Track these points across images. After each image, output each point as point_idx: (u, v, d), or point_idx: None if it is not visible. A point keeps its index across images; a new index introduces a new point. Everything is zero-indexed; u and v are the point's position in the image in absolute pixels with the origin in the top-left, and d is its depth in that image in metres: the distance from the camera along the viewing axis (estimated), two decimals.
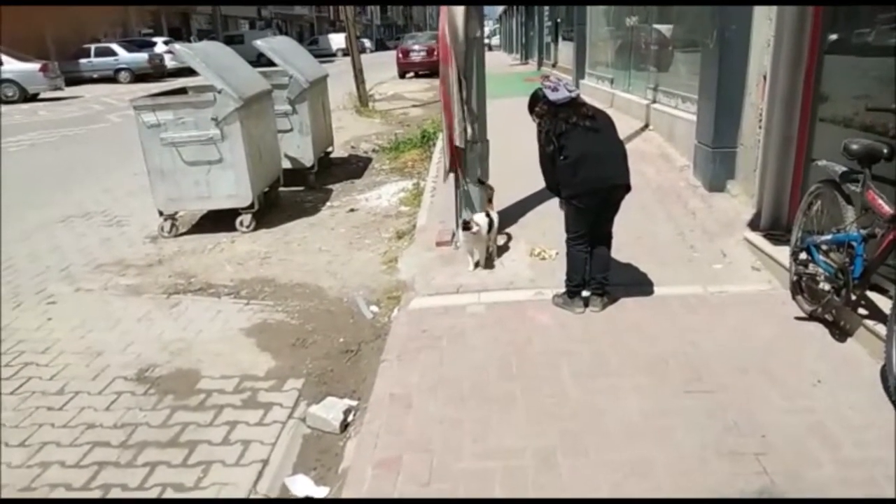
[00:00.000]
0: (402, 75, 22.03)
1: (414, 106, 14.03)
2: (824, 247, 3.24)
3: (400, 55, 22.50)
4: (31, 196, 7.21)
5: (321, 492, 2.55)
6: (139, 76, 23.78)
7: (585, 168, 3.31)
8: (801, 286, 3.48)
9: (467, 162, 4.66)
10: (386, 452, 2.55)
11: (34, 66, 18.68)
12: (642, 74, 9.12)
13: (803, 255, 3.44)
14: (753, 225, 4.57)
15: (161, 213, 5.58)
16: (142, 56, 24.41)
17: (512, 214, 5.19)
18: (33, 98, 18.52)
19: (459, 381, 2.98)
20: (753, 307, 3.61)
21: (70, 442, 2.88)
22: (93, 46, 24.17)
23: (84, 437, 2.91)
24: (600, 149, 3.36)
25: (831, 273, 3.10)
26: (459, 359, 3.19)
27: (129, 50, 24.61)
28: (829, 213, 3.28)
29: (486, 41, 27.07)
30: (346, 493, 2.39)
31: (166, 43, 24.52)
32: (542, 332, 3.43)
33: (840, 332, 3.21)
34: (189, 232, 5.73)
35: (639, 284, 3.93)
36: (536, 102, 3.54)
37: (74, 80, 22.18)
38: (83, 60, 23.89)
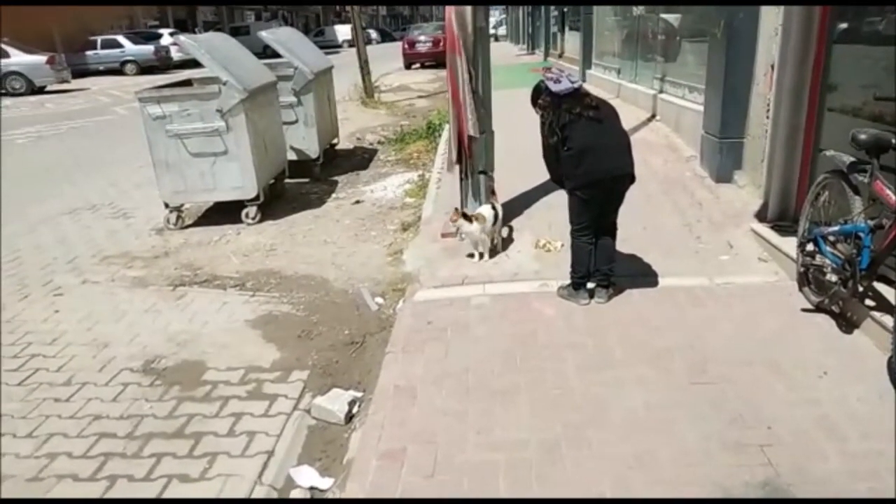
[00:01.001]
0: (407, 66, 21.89)
1: (420, 97, 13.95)
2: (831, 238, 3.21)
3: (406, 46, 22.36)
4: (37, 188, 7.23)
5: (326, 483, 2.56)
6: (145, 68, 23.67)
7: (589, 159, 3.29)
8: (807, 277, 3.45)
9: (476, 153, 4.62)
10: (390, 444, 2.55)
11: (41, 58, 18.64)
12: (649, 64, 9.03)
13: (810, 247, 3.41)
14: (760, 216, 4.53)
15: (167, 206, 5.58)
16: (148, 48, 24.34)
17: (517, 206, 5.16)
18: (40, 90, 18.52)
19: (464, 373, 2.98)
20: (760, 299, 3.58)
21: (77, 433, 2.89)
22: (99, 39, 24.05)
23: (91, 428, 2.92)
24: (604, 140, 3.34)
25: (838, 264, 3.08)
26: (464, 351, 3.19)
27: (135, 42, 24.53)
28: (837, 203, 3.25)
29: (493, 32, 26.83)
30: (351, 485, 2.39)
31: (172, 35, 24.37)
32: (547, 324, 3.41)
33: (847, 324, 3.19)
34: (195, 224, 5.73)
35: (644, 276, 3.90)
36: (539, 95, 3.51)
37: (81, 72, 22.18)
38: (90, 53, 23.82)
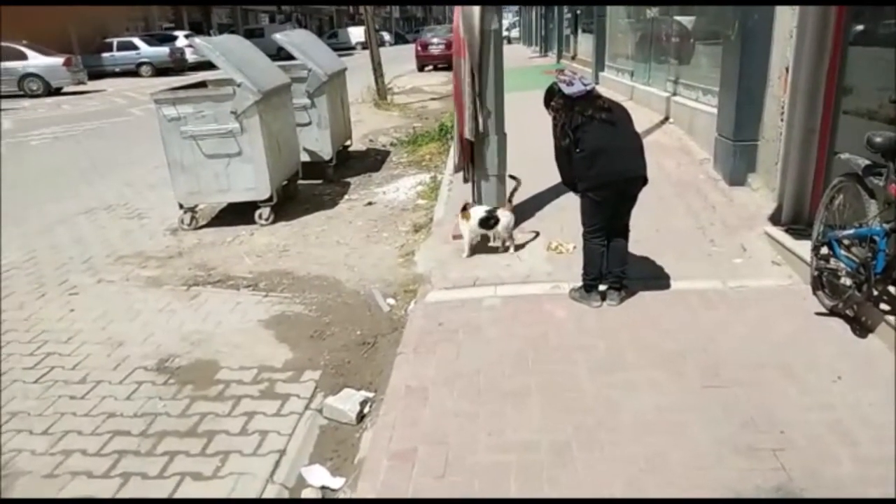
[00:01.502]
0: (420, 68, 21.86)
1: (432, 99, 13.91)
2: (846, 241, 3.19)
3: (419, 48, 22.36)
4: (54, 189, 7.31)
5: (337, 482, 2.57)
6: (160, 70, 23.86)
7: (601, 161, 3.30)
8: (822, 281, 3.42)
9: (485, 155, 4.60)
10: (401, 444, 2.56)
11: (58, 60, 18.86)
12: (662, 67, 9.01)
13: (825, 250, 3.38)
14: (774, 219, 4.49)
15: (181, 206, 5.62)
16: (163, 50, 24.52)
17: (529, 208, 5.14)
18: (57, 92, 18.70)
19: (475, 375, 2.98)
20: (773, 302, 3.56)
21: (91, 430, 2.92)
22: (115, 40, 24.32)
23: (105, 426, 2.95)
24: (616, 142, 3.34)
25: (853, 268, 3.06)
26: (475, 352, 3.19)
27: (151, 44, 24.74)
28: (852, 207, 3.22)
29: (506, 34, 26.67)
30: (362, 484, 2.40)
31: (187, 37, 24.55)
32: (559, 326, 3.42)
33: (861, 328, 3.16)
34: (209, 224, 5.78)
35: (657, 278, 3.87)
36: (552, 97, 3.52)
37: (97, 73, 22.42)
38: (106, 54, 24.08)
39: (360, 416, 2.94)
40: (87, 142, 10.68)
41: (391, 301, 4.06)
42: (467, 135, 4.46)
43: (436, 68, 21.51)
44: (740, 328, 3.28)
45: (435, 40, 21.93)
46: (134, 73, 23.86)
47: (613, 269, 3.56)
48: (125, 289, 4.48)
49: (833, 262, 3.28)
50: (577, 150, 3.34)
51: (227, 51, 5.56)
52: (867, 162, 3.05)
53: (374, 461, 2.50)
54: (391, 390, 2.95)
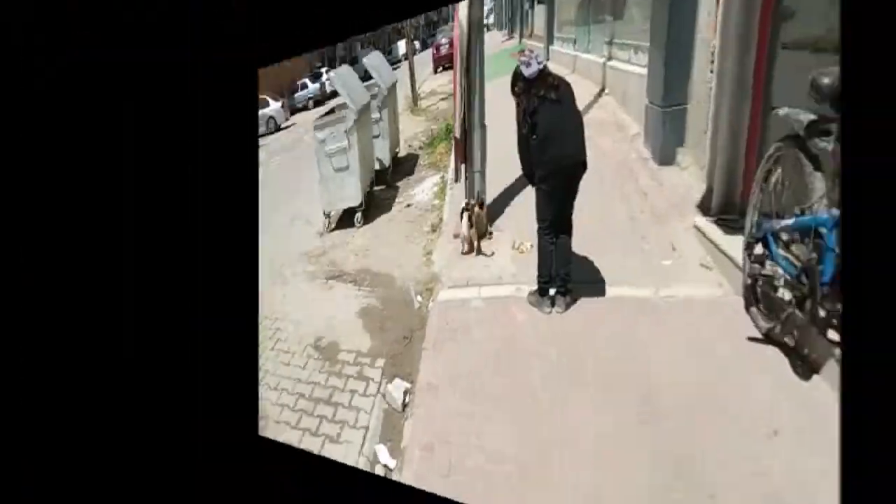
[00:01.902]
0: (435, 70, 13.39)
1: (441, 100, 9.23)
2: (784, 235, 1.21)
3: (434, 51, 12.84)
4: (278, 203, 6.12)
5: (393, 463, 1.87)
6: (317, 102, 19.13)
7: (552, 145, 1.74)
8: (755, 292, 1.37)
9: (472, 151, 2.84)
10: (426, 438, 1.72)
11: (278, 103, 16.07)
12: (600, 28, 4.45)
13: (759, 248, 1.34)
14: (704, 206, 1.98)
15: (324, 213, 4.42)
16: (317, 85, 19.76)
17: (500, 204, 3.04)
18: (278, 129, 16.04)
19: (469, 376, 1.89)
20: (703, 318, 1.69)
21: (291, 390, 2.39)
22: (299, 82, 19.90)
23: (295, 389, 2.40)
24: (563, 124, 1.74)
25: (793, 274, 1.16)
26: (468, 353, 2.04)
27: (313, 81, 20.20)
28: (792, 184, 1.20)
29: (486, 22, 16.73)
30: (406, 470, 1.67)
31: (326, 72, 19.98)
32: (521, 330, 2.00)
33: (802, 364, 1.24)
34: (336, 228, 4.56)
35: (595, 283, 2.10)
36: (517, 81, 1.79)
37: (291, 111, 19.18)
38: (296, 94, 20.34)
39: (404, 405, 2.11)
40: (291, 164, 8.99)
41: (419, 298, 2.87)
42: (456, 133, 2.77)
43: (444, 68, 13.13)
44: (671, 349, 1.62)
45: (444, 41, 12.11)
46: (305, 107, 19.86)
47: (559, 270, 1.97)
48: (300, 281, 3.68)
49: (769, 266, 1.29)
50: (533, 137, 1.74)
51: (345, 81, 3.97)
52: (811, 117, 1.08)
53: (411, 451, 1.71)
54: (419, 385, 2.04)
